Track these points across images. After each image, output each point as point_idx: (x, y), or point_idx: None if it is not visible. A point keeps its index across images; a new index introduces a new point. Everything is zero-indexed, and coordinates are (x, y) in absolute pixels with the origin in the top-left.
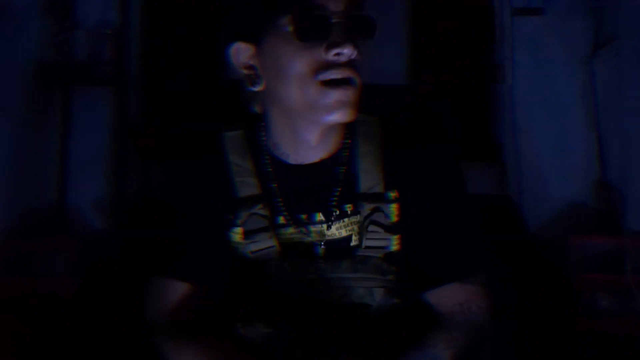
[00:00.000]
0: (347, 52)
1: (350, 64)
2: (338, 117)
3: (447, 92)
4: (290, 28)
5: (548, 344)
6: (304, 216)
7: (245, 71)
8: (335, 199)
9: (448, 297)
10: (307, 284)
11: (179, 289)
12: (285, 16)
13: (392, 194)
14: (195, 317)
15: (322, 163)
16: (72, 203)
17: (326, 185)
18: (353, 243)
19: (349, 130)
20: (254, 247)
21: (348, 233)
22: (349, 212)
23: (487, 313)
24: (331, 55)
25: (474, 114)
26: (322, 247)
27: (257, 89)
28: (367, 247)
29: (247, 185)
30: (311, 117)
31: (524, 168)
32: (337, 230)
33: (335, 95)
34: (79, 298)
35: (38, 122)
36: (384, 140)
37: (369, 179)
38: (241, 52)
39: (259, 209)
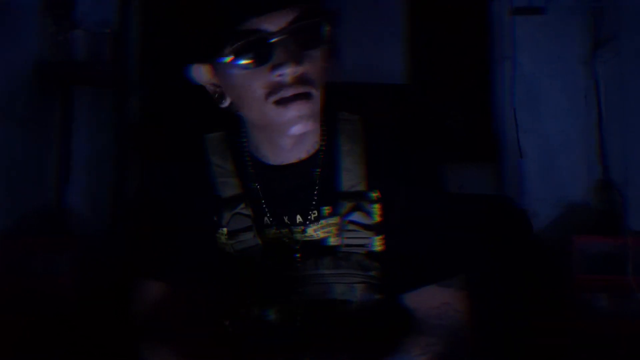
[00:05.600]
0: (288, 71)
1: (300, 78)
2: (296, 130)
3: (447, 91)
4: (229, 59)
5: (548, 344)
6: (286, 217)
7: (211, 88)
8: (313, 200)
9: (424, 300)
10: (289, 281)
11: (156, 289)
12: (224, 48)
13: (374, 194)
14: (174, 317)
15: (300, 164)
16: (72, 203)
17: (305, 187)
18: (331, 244)
19: (328, 129)
20: (238, 246)
21: (325, 235)
22: (326, 214)
23: (466, 317)
24: (275, 77)
25: (474, 114)
26: (299, 248)
27: (225, 105)
28: (347, 246)
29: (229, 186)
30: (274, 131)
31: (524, 168)
32: (315, 232)
33: (290, 112)
34: (78, 298)
35: (37, 122)
36: (367, 139)
37: (350, 177)
38: (202, 72)
39: (242, 208)
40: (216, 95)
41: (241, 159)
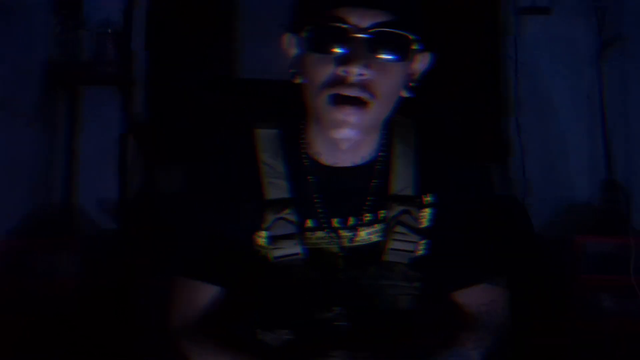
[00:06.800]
0: (355, 70)
1: (362, 82)
2: (339, 134)
3: (452, 91)
4: (307, 36)
5: (551, 344)
6: (335, 220)
7: (291, 61)
8: (368, 203)
9: (475, 298)
10: (331, 290)
11: (208, 292)
12: (306, 25)
13: (427, 199)
14: (221, 322)
15: (356, 168)
16: (78, 202)
17: (361, 190)
18: (380, 249)
19: (387, 132)
20: (278, 252)
21: (378, 239)
22: (380, 217)
23: (508, 314)
24: (340, 71)
25: (479, 114)
26: (349, 253)
27: (299, 81)
28: (393, 250)
29: (277, 188)
30: (324, 126)
31: (529, 168)
32: (368, 236)
33: (337, 113)
34: (80, 298)
35: (44, 121)
36: (419, 143)
37: (401, 180)
38: (288, 42)
39: (287, 213)
40: (293, 70)
41: (296, 160)
